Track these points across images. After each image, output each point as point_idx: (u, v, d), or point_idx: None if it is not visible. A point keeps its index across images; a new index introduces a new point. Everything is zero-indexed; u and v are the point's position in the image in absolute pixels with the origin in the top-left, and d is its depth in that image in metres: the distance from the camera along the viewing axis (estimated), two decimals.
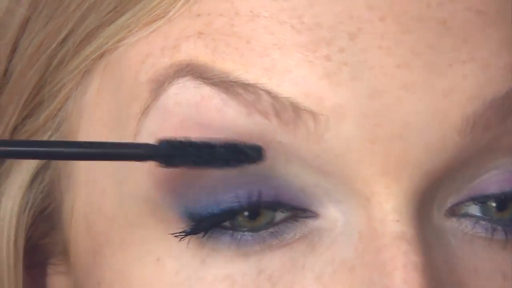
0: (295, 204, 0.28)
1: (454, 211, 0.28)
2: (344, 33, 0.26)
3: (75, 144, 0.29)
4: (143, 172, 0.28)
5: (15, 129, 0.32)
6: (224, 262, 0.28)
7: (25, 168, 0.33)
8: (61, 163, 0.32)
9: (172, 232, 0.28)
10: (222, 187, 0.27)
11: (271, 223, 0.28)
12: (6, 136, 0.32)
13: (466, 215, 0.29)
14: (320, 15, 0.26)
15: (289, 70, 0.26)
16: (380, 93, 0.26)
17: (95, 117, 0.30)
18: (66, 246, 0.33)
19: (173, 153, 0.26)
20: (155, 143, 0.26)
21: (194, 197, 0.28)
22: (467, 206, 0.28)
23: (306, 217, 0.28)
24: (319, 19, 0.26)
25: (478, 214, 0.29)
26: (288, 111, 0.26)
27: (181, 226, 0.28)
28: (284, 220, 0.28)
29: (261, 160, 0.26)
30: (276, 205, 0.28)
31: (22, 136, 0.33)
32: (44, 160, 0.32)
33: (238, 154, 0.26)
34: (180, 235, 0.28)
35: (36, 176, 0.33)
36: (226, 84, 0.26)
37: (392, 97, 0.26)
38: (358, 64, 0.26)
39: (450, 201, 0.28)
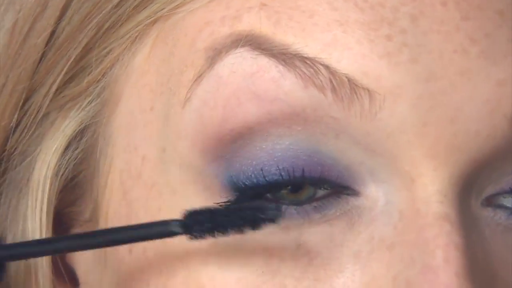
0: (339, 182, 0.28)
1: (490, 201, 0.29)
2: (406, 15, 0.26)
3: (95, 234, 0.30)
4: (188, 139, 0.28)
5: (56, 92, 0.32)
6: (263, 234, 0.28)
7: (62, 134, 0.32)
8: (99, 130, 0.32)
9: (216, 202, 0.28)
10: (269, 159, 0.28)
11: (313, 198, 0.28)
12: (47, 100, 0.32)
13: (502, 206, 0.29)
14: None
15: (350, 47, 0.26)
16: (436, 77, 0.26)
17: (141, 83, 0.30)
18: (93, 214, 0.33)
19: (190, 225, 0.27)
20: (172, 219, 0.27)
21: (241, 167, 0.28)
22: (504, 198, 0.29)
23: (348, 194, 0.28)
24: None
25: None
26: (345, 87, 0.26)
27: (225, 195, 0.28)
28: (327, 196, 0.28)
29: (279, 220, 0.26)
30: (320, 181, 0.28)
31: (61, 101, 0.32)
32: (81, 126, 0.32)
33: (255, 217, 0.26)
34: (225, 205, 0.28)
35: (71, 142, 0.33)
36: (285, 57, 0.27)
37: (447, 82, 0.26)
38: (417, 46, 0.26)
39: (488, 191, 0.29)
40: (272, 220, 0.26)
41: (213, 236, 0.26)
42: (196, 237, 0.27)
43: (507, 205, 0.29)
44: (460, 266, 0.26)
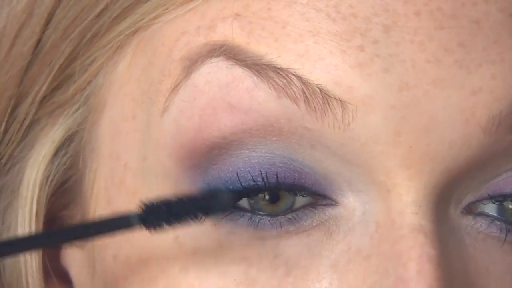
0: (316, 190, 0.28)
1: (470, 209, 0.29)
2: (378, 25, 0.26)
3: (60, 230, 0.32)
4: (166, 148, 0.29)
5: (43, 100, 0.33)
6: (241, 244, 0.28)
7: (50, 140, 0.33)
8: (86, 136, 0.32)
9: None
10: (245, 166, 0.28)
11: (290, 210, 0.28)
12: (34, 107, 0.33)
13: (482, 214, 0.29)
14: (356, 6, 0.26)
15: (322, 58, 0.26)
16: (409, 86, 0.26)
17: (124, 92, 0.31)
18: (83, 219, 0.33)
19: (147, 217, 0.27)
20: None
21: (217, 173, 0.28)
22: (484, 204, 0.29)
23: (325, 205, 0.28)
24: (355, 9, 0.26)
25: (494, 214, 0.29)
26: (318, 97, 0.26)
27: None
28: (303, 207, 0.28)
29: (229, 207, 0.27)
30: (296, 188, 0.28)
31: (49, 108, 0.33)
32: (69, 132, 0.33)
33: (208, 205, 0.27)
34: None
35: (60, 148, 0.33)
36: (259, 67, 0.27)
37: (420, 91, 0.26)
38: (390, 56, 0.26)
39: (468, 199, 0.29)
40: (224, 207, 0.27)
41: (171, 226, 0.27)
42: (154, 229, 0.27)
43: (488, 212, 0.29)
44: (433, 278, 0.26)
